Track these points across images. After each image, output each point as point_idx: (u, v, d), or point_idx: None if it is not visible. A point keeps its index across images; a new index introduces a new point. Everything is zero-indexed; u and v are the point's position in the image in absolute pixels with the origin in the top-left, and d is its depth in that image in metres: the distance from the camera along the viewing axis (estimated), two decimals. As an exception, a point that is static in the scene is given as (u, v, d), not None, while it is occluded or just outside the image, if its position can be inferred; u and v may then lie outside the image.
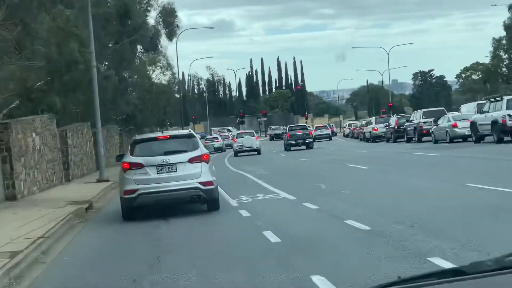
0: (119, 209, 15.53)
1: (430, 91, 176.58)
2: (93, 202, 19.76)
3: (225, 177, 25.66)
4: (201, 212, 15.51)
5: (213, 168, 15.95)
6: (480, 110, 34.63)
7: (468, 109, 43.44)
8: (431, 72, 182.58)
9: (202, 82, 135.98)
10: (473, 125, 34.12)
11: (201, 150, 15.46)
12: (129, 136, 42.21)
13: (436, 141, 39.48)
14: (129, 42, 43.56)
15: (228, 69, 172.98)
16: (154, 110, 50.00)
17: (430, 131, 41.07)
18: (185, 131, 17.15)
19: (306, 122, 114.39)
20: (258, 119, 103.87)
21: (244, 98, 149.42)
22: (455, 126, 37.83)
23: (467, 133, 35.99)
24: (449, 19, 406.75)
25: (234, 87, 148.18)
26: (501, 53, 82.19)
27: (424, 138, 43.39)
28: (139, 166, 14.89)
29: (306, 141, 51.84)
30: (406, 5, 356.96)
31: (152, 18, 48.88)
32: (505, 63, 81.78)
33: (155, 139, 15.88)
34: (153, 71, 49.95)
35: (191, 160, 15.05)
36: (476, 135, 33.81)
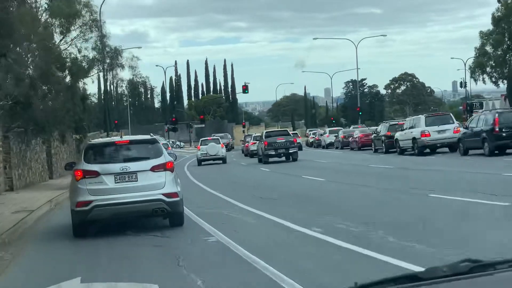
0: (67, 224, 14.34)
1: (363, 101, 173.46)
2: None
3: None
4: (162, 228, 14.43)
5: (178, 178, 14.88)
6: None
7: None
8: (364, 81, 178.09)
9: (123, 83, 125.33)
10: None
11: (165, 158, 14.38)
12: (23, 142, 31.12)
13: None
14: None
15: (157, 65, 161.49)
16: (68, 101, 32.24)
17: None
18: (147, 136, 15.88)
19: (244, 131, 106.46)
20: (195, 126, 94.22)
21: (168, 103, 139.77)
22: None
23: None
24: (358, 34, 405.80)
25: (160, 90, 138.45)
26: (487, 49, 77.50)
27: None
28: (95, 174, 13.81)
29: (290, 151, 44.68)
30: (317, 20, 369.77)
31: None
32: (491, 61, 76.65)
33: (112, 144, 14.69)
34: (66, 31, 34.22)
35: (153, 169, 14.06)
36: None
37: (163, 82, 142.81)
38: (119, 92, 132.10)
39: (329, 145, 63.39)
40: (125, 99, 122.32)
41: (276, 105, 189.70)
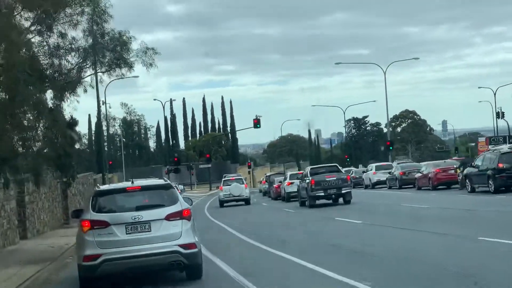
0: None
1: (365, 140, 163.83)
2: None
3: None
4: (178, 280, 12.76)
5: (195, 227, 13.07)
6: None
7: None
8: (366, 119, 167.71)
9: (116, 122, 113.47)
10: None
11: (181, 205, 12.79)
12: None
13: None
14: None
15: (155, 99, 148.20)
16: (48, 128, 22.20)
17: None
18: (161, 181, 13.77)
19: (249, 172, 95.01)
20: (201, 166, 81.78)
21: (163, 143, 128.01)
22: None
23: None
24: (346, 76, 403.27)
25: (155, 130, 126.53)
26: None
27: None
28: (104, 224, 12.29)
29: (343, 191, 35.24)
30: (304, 63, 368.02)
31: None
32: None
33: (123, 190, 13.16)
34: None
35: (168, 217, 12.51)
36: None
37: (158, 121, 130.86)
38: (111, 132, 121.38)
39: (376, 184, 51.56)
40: (118, 139, 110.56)
41: (271, 146, 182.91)
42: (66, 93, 25.04)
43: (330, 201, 36.77)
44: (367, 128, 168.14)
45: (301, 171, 49.59)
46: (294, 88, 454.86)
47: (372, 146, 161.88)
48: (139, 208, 12.57)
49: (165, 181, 13.69)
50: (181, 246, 12.40)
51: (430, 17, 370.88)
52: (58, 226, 31.47)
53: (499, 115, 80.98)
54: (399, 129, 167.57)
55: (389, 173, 48.00)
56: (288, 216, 31.66)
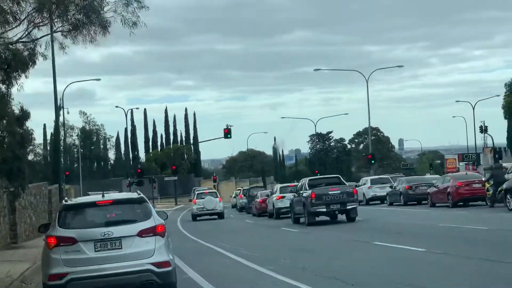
0: None
1: (329, 156, 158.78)
2: None
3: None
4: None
5: (170, 244, 12.16)
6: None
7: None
8: (330, 135, 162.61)
9: (74, 132, 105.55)
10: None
11: (155, 220, 11.84)
12: None
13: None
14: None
15: (117, 106, 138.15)
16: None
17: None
18: (133, 194, 12.62)
19: (214, 186, 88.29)
20: (166, 179, 74.44)
21: (123, 155, 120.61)
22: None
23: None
24: (305, 93, 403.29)
25: (120, 140, 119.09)
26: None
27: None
28: (71, 241, 11.43)
29: (348, 207, 29.72)
30: (263, 79, 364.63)
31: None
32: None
33: (93, 204, 12.18)
34: None
35: (141, 233, 11.61)
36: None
37: (118, 132, 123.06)
38: (68, 142, 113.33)
39: (372, 200, 45.07)
40: (75, 149, 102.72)
41: (232, 161, 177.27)
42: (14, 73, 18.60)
43: (328, 218, 30.87)
44: (331, 144, 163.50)
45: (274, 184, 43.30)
46: (253, 104, 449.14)
47: (336, 162, 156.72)
48: (109, 224, 11.74)
49: (138, 194, 12.52)
50: (154, 264, 11.61)
51: (388, 37, 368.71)
52: (3, 246, 24.52)
53: (482, 129, 75.66)
54: (361, 146, 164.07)
55: (391, 187, 41.66)
56: (297, 237, 24.96)
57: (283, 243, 22.29)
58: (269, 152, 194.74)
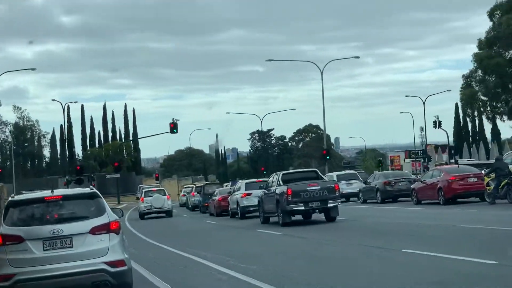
0: None
1: (270, 154, 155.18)
2: None
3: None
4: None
5: (126, 242, 11.40)
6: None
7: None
8: (271, 132, 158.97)
9: (7, 128, 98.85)
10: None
11: (109, 216, 11.05)
12: None
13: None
14: None
15: (53, 100, 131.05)
16: None
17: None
18: (85, 189, 11.75)
19: (159, 184, 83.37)
20: (108, 176, 69.05)
21: (59, 152, 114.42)
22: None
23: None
24: (241, 92, 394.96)
25: (56, 137, 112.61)
26: (473, 85, 59.63)
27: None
28: (18, 240, 10.66)
29: (329, 205, 25.73)
30: (199, 78, 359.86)
31: None
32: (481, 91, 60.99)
33: (41, 200, 11.22)
34: None
35: (94, 231, 10.83)
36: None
37: (54, 129, 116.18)
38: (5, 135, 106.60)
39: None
40: (7, 146, 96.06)
41: (170, 159, 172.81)
42: None
43: (302, 218, 27.12)
44: (272, 142, 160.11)
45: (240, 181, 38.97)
46: (189, 103, 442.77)
47: (277, 160, 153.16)
48: (59, 221, 10.90)
49: (91, 189, 11.63)
50: (107, 263, 10.67)
51: (323, 37, 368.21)
52: None
53: (436, 124, 72.75)
54: (301, 144, 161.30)
55: (365, 183, 37.59)
56: (284, 241, 20.42)
57: (274, 250, 17.90)
58: (207, 150, 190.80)
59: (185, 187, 68.34)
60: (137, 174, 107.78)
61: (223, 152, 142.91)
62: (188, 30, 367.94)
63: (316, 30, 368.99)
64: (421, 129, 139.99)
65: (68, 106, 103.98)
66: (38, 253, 10.59)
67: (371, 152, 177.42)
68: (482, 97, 64.20)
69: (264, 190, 28.91)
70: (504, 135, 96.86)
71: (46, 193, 11.55)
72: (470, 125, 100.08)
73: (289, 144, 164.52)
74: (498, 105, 64.84)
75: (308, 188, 25.84)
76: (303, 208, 25.74)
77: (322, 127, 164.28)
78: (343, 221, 25.59)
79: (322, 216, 26.87)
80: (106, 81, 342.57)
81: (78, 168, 63.97)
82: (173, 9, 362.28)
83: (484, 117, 67.38)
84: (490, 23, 63.63)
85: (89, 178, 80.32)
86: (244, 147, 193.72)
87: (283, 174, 27.98)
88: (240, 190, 33.86)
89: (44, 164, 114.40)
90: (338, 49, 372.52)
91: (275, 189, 27.05)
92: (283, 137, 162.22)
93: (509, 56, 62.22)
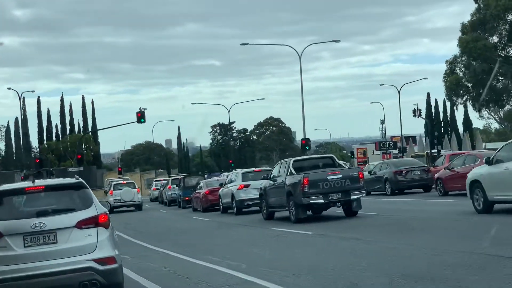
0: None
1: (232, 147, 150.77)
2: None
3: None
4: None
5: (116, 237, 10.24)
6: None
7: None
8: (232, 125, 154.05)
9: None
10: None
11: (97, 209, 9.89)
12: None
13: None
14: None
15: (9, 88, 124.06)
16: None
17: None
18: (70, 179, 10.60)
19: (125, 178, 78.04)
20: (70, 170, 63.34)
21: (13, 147, 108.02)
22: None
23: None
24: (197, 86, 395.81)
25: (11, 130, 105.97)
26: (457, 71, 56.33)
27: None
28: None
29: (352, 197, 21.58)
30: (155, 72, 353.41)
31: None
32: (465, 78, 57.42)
33: (21, 191, 10.15)
34: None
35: (80, 225, 9.63)
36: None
37: (8, 122, 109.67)
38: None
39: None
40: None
41: (129, 154, 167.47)
42: None
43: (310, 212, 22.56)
44: (234, 134, 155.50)
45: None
46: (145, 98, 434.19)
47: (239, 153, 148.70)
48: (41, 214, 9.69)
49: (76, 179, 10.41)
50: (96, 261, 9.48)
51: (279, 31, 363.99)
52: None
53: (415, 113, 68.95)
54: (261, 137, 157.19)
55: (370, 173, 33.06)
56: (342, 246, 15.48)
57: (338, 260, 13.10)
58: (164, 145, 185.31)
59: (156, 180, 63.22)
60: (98, 168, 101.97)
61: (186, 146, 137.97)
62: (144, 24, 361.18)
63: (271, 23, 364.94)
64: (382, 122, 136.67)
65: (24, 98, 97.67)
66: (19, 250, 9.48)
67: (333, 145, 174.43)
68: (467, 84, 60.46)
69: (268, 180, 24.30)
70: (476, 125, 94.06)
71: (26, 183, 10.35)
72: (442, 115, 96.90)
73: (251, 137, 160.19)
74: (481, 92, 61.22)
75: (328, 177, 21.45)
76: (322, 200, 21.36)
77: (283, 120, 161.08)
78: (371, 216, 21.14)
79: (339, 210, 22.49)
80: (61, 75, 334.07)
81: (37, 161, 58.46)
82: (128, 3, 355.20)
83: (469, 104, 63.77)
84: (475, 5, 59.96)
85: (47, 172, 74.56)
86: (202, 141, 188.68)
87: (294, 161, 23.33)
88: (235, 182, 29.00)
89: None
90: (294, 43, 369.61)
91: (284, 179, 22.50)
92: (245, 130, 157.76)
93: (497, 38, 58.63)
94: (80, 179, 10.50)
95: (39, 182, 10.28)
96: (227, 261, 13.36)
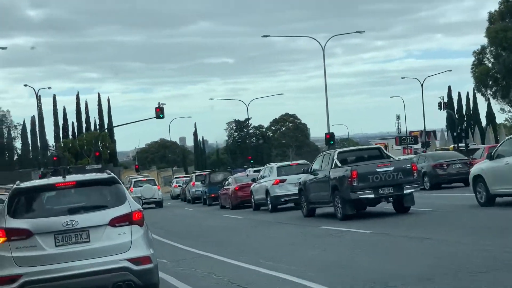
0: None
1: (248, 144, 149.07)
2: None
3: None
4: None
5: (151, 235, 9.69)
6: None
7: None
8: (248, 122, 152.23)
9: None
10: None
11: (130, 206, 9.30)
12: None
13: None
14: None
15: (25, 85, 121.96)
16: None
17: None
18: (102, 174, 10.02)
19: (141, 175, 76.33)
20: (88, 167, 61.87)
21: (30, 145, 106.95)
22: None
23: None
24: (209, 84, 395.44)
25: (27, 129, 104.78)
26: (485, 62, 54.37)
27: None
28: (25, 234, 8.91)
29: (405, 191, 19.75)
30: (167, 71, 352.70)
31: None
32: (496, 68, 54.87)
33: (51, 187, 9.62)
34: None
35: (114, 222, 9.09)
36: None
37: (24, 120, 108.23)
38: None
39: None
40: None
41: (144, 152, 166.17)
42: None
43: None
44: (250, 131, 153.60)
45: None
46: (159, 96, 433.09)
47: (255, 150, 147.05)
48: (73, 211, 9.12)
49: (108, 174, 9.78)
50: (131, 260, 8.95)
51: (290, 28, 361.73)
52: None
53: (441, 106, 66.84)
54: (278, 133, 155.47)
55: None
56: (445, 251, 13.55)
57: (405, 260, 11.22)
58: (179, 142, 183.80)
59: (177, 177, 61.49)
60: (114, 166, 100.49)
61: (202, 142, 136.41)
62: (156, 22, 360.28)
63: (284, 21, 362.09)
64: (397, 117, 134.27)
65: (40, 96, 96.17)
66: (50, 250, 8.93)
67: (346, 141, 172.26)
68: (496, 75, 58.23)
69: (310, 173, 22.39)
70: (499, 119, 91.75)
71: (57, 179, 9.88)
72: (465, 108, 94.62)
73: (267, 133, 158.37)
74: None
75: (379, 170, 19.62)
76: (372, 195, 19.51)
77: (299, 116, 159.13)
78: (427, 213, 19.23)
79: (387, 206, 20.54)
80: (75, 74, 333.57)
81: (55, 159, 56.92)
82: (140, 2, 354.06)
83: (498, 97, 61.48)
84: (503, -6, 57.76)
85: (65, 170, 73.10)
86: (215, 138, 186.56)
87: (339, 153, 21.36)
88: (270, 176, 27.01)
89: (15, 157, 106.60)
90: (308, 40, 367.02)
91: (328, 172, 20.57)
92: (261, 126, 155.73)
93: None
94: (113, 174, 9.86)
95: (70, 178, 9.69)
96: (285, 266, 11.51)
